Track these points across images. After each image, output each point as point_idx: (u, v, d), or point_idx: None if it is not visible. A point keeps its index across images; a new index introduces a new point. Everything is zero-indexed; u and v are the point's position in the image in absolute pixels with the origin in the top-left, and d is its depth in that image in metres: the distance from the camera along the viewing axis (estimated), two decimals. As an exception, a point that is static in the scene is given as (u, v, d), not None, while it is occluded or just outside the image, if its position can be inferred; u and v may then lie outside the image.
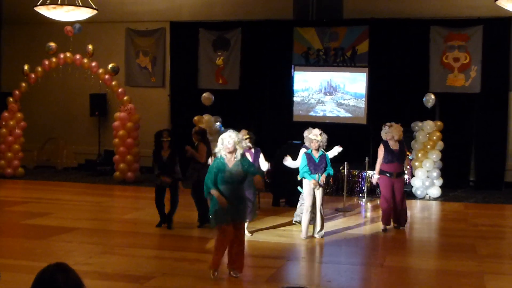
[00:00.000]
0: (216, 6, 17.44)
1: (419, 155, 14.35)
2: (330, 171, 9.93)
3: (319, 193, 9.84)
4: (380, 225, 10.78)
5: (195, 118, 15.46)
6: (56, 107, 18.92)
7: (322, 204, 9.91)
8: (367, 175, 13.90)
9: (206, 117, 15.45)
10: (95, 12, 13.97)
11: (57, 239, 9.65)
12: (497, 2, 10.63)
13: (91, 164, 17.72)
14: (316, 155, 9.83)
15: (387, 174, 10.56)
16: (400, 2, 16.05)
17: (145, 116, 16.99)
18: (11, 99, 16.67)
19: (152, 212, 11.68)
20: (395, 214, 10.71)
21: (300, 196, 10.66)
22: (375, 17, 16.08)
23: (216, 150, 7.60)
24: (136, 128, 16.32)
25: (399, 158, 10.55)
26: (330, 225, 10.98)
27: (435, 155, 14.29)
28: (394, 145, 10.57)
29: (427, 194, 14.31)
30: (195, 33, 17.42)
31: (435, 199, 14.19)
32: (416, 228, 11.51)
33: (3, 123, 16.69)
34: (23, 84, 16.59)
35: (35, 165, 18.60)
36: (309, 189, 9.81)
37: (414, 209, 13.30)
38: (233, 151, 7.44)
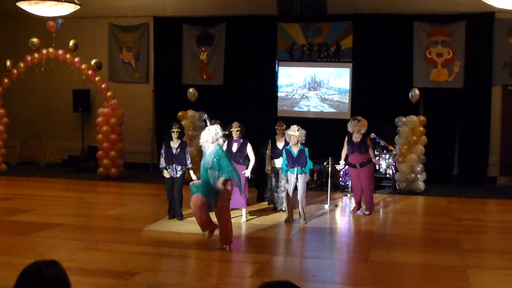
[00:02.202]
0: (200, 2, 17.39)
1: (403, 150, 14.39)
2: (310, 165, 10.65)
3: (300, 184, 10.50)
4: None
5: (179, 113, 15.43)
6: (39, 103, 18.80)
7: (303, 195, 10.55)
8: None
9: (191, 112, 15.42)
10: (77, 7, 13.88)
11: (40, 235, 9.59)
12: (480, -2, 10.68)
13: (75, 160, 17.61)
14: (295, 150, 10.49)
15: (351, 165, 11.56)
16: (384, -2, 16.10)
17: (129, 112, 16.91)
18: (-7, 95, 16.54)
19: (137, 208, 11.68)
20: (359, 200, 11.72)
21: (278, 183, 11.53)
22: (358, 12, 16.11)
23: (201, 141, 8.66)
24: (120, 124, 16.24)
25: (359, 149, 11.37)
26: (314, 221, 11.02)
27: (419, 150, 14.35)
28: (356, 138, 11.42)
29: (411, 188, 14.36)
30: (179, 29, 17.36)
31: (418, 193, 14.25)
32: (400, 223, 11.55)
33: (-15, 119, 16.56)
34: (5, 80, 16.45)
35: (18, 161, 18.47)
36: (289, 180, 10.62)
37: (398, 203, 13.35)
38: (215, 141, 8.54)
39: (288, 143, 10.77)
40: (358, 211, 11.66)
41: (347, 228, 10.93)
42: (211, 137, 8.49)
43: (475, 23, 15.54)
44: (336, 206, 12.63)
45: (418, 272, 8.12)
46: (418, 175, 14.35)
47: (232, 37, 17.01)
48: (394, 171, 14.76)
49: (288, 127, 10.86)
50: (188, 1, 17.49)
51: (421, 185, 14.35)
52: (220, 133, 8.59)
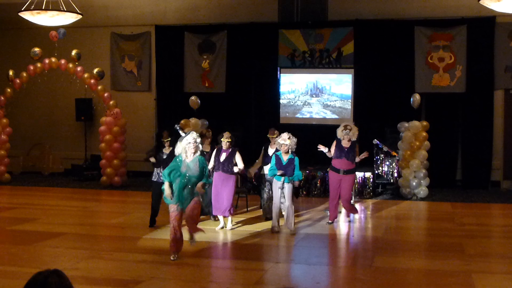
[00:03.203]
0: (201, 10, 17.43)
1: (406, 155, 14.38)
2: (299, 175, 10.39)
3: (286, 192, 10.30)
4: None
5: (182, 121, 15.43)
6: (42, 112, 18.84)
7: (291, 204, 10.36)
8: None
9: (193, 120, 15.43)
10: (79, 17, 13.92)
11: (44, 244, 9.59)
12: (481, 2, 10.67)
13: (78, 169, 17.63)
14: (285, 157, 10.29)
15: (335, 170, 11.12)
16: (384, 3, 16.12)
17: (132, 121, 16.95)
18: (-4, 105, 16.59)
19: (140, 216, 11.67)
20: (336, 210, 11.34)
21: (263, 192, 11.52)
22: (359, 18, 16.14)
23: (178, 149, 8.55)
24: (123, 133, 16.26)
25: (347, 155, 11.02)
26: (317, 227, 11.01)
27: (422, 155, 14.33)
28: (346, 144, 11.07)
29: (414, 194, 14.34)
30: (180, 37, 17.41)
31: (422, 199, 14.23)
32: (404, 228, 11.54)
33: (-12, 129, 16.60)
34: (8, 90, 16.50)
35: (21, 170, 18.51)
36: (275, 189, 10.40)
37: (401, 209, 13.32)
38: (196, 150, 8.53)
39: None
40: (347, 219, 11.66)
41: (351, 234, 10.91)
42: (194, 146, 8.46)
43: (476, 28, 15.55)
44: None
45: (422, 278, 8.10)
46: (422, 180, 14.33)
47: (233, 44, 17.04)
48: (397, 176, 14.74)
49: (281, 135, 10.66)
50: (189, 9, 17.53)
51: (424, 190, 14.33)
52: (199, 140, 8.59)
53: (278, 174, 10.22)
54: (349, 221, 11.52)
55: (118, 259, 8.77)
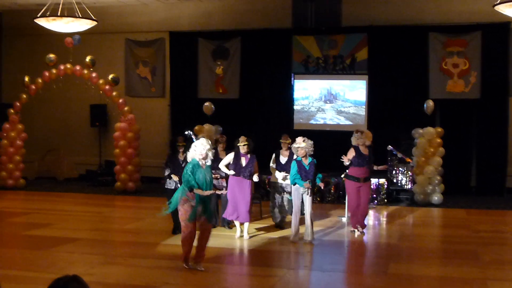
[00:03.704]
0: (215, 16, 17.49)
1: (420, 162, 14.32)
2: (319, 176, 10.26)
3: (308, 199, 10.00)
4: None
5: (196, 127, 15.48)
6: (57, 118, 18.95)
7: (311, 211, 10.09)
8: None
9: (207, 126, 15.46)
10: (94, 23, 14.00)
11: (59, 249, 9.62)
12: (495, 8, 10.64)
13: (92, 174, 17.72)
14: (306, 162, 10.04)
15: (354, 179, 10.70)
16: (398, 9, 16.09)
17: (146, 126, 17.01)
18: (12, 111, 16.69)
19: (154, 222, 11.68)
20: (358, 217, 10.82)
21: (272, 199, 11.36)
22: (373, 24, 16.12)
23: (189, 156, 8.16)
24: (137, 138, 16.32)
25: (368, 162, 10.73)
26: (332, 233, 10.98)
27: (436, 162, 14.27)
28: (364, 150, 10.78)
29: (428, 201, 14.28)
30: (194, 43, 17.46)
31: (436, 206, 14.16)
32: (418, 235, 11.48)
33: (4, 134, 16.71)
34: (24, 96, 16.61)
35: (36, 176, 18.61)
36: (298, 195, 10.07)
37: (416, 216, 13.27)
38: (205, 157, 8.07)
39: (293, 156, 10.40)
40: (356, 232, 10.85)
41: (365, 240, 10.86)
42: (199, 153, 8.03)
43: (490, 33, 15.49)
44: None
45: (437, 285, 8.06)
46: (436, 187, 14.26)
47: (247, 50, 17.07)
48: (411, 183, 14.68)
49: (294, 141, 10.38)
50: (203, 15, 17.59)
51: (439, 197, 14.26)
52: (208, 146, 8.08)
53: (305, 186, 9.90)
54: (361, 232, 10.90)
55: (132, 264, 8.78)
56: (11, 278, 7.72)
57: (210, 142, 8.25)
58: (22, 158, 16.97)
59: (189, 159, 8.19)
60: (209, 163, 8.17)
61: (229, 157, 10.57)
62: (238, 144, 10.47)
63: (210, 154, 8.10)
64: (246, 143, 10.40)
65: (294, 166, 10.06)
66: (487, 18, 15.11)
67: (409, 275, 8.34)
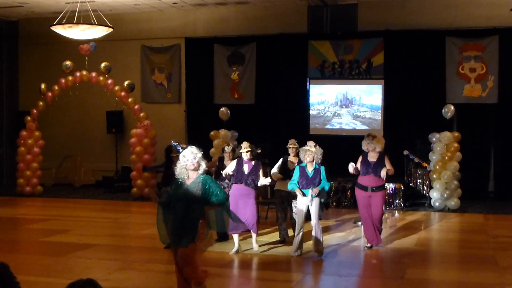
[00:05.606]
0: (230, 21, 17.53)
1: (437, 166, 14.24)
2: (326, 186, 9.41)
3: (313, 209, 9.30)
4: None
5: (212, 133, 15.51)
6: (73, 125, 19.06)
7: (318, 222, 9.34)
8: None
9: (223, 132, 15.48)
10: (110, 30, 14.09)
11: (76, 255, 9.67)
12: (513, 12, 10.59)
13: (109, 181, 17.79)
14: (309, 169, 9.37)
15: (361, 187, 9.98)
16: (415, 14, 16.03)
17: (162, 132, 17.05)
18: (29, 118, 16.81)
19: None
20: (372, 231, 10.05)
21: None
22: (389, 29, 16.07)
23: (178, 169, 6.67)
24: (153, 144, 16.38)
25: (375, 171, 9.84)
26: (347, 238, 10.94)
27: (454, 167, 14.18)
28: (372, 157, 9.97)
29: (446, 206, 14.19)
30: (210, 49, 17.51)
31: (454, 210, 14.07)
32: (436, 240, 11.42)
33: (22, 142, 16.83)
34: (41, 103, 16.72)
35: (54, 182, 18.74)
36: (300, 205, 9.41)
37: (433, 221, 13.19)
38: (197, 167, 6.62)
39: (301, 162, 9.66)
40: (367, 245, 10.13)
41: (381, 245, 10.80)
42: (191, 163, 6.55)
43: (508, 38, 15.38)
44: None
45: (455, 290, 8.00)
46: (453, 192, 14.17)
47: (263, 56, 17.09)
48: (428, 188, 14.60)
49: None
50: (218, 21, 17.63)
51: (456, 201, 14.17)
52: (199, 155, 6.63)
53: (297, 193, 9.27)
54: (366, 247, 10.15)
55: (150, 270, 8.80)
56: (29, 284, 7.73)
57: (200, 149, 6.76)
58: (39, 165, 17.07)
59: (177, 172, 6.69)
60: (201, 171, 6.64)
61: (232, 165, 10.01)
62: (241, 151, 9.97)
63: (203, 164, 6.64)
64: (248, 149, 9.82)
65: (296, 172, 9.48)
66: (505, 22, 15.03)
67: (426, 280, 8.29)
